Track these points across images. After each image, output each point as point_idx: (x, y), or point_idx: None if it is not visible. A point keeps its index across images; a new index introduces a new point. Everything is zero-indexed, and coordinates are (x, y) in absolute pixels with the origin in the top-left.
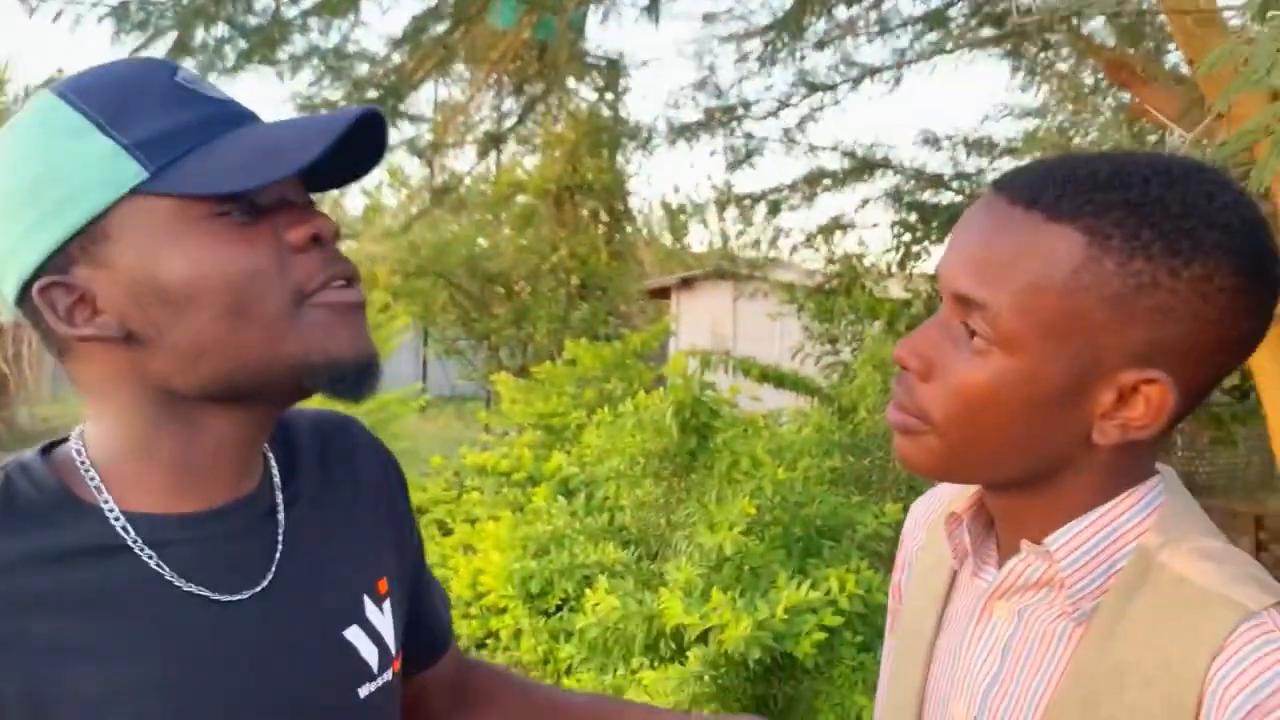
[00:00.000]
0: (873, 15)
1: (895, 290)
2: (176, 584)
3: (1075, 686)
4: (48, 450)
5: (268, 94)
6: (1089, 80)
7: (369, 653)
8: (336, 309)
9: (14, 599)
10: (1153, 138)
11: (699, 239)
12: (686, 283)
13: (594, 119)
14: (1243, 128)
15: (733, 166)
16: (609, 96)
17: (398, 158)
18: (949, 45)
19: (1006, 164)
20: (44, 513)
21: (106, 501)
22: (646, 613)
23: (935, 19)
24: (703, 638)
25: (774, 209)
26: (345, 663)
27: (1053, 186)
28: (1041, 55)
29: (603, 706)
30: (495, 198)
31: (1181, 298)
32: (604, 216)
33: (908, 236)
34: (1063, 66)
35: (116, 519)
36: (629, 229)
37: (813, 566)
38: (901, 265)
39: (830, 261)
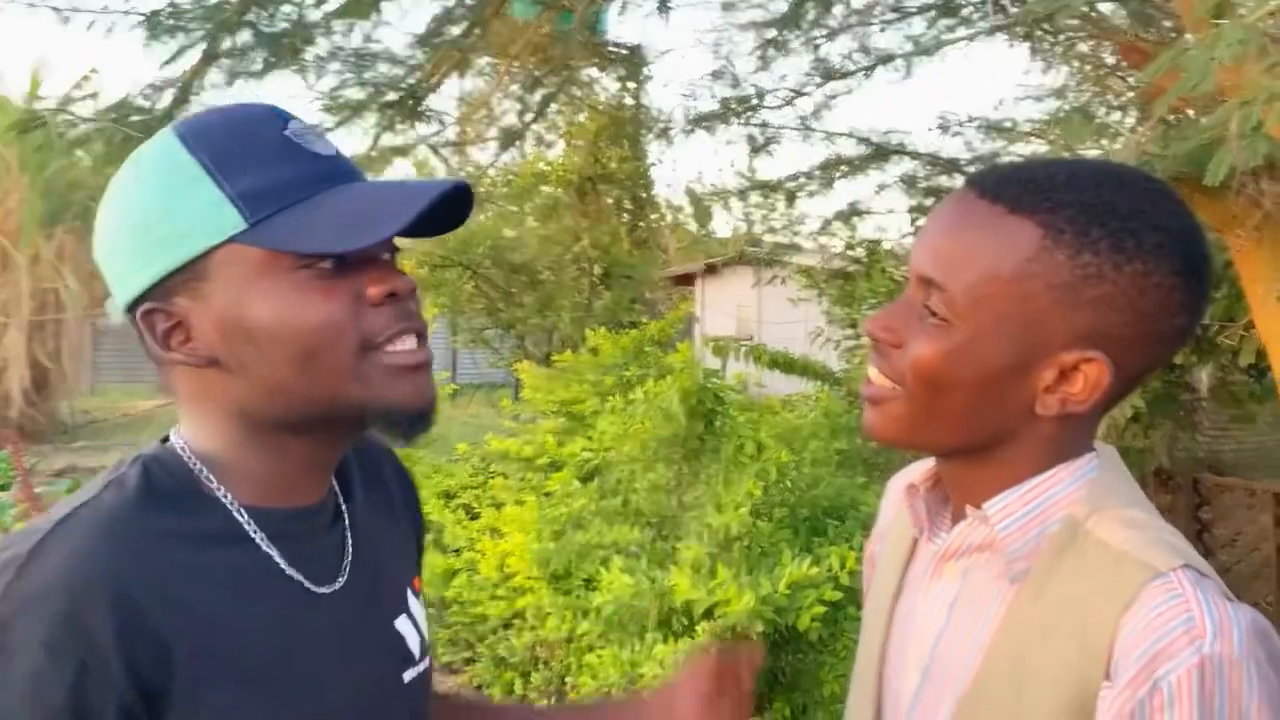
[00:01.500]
0: (888, 1)
1: None
2: (287, 571)
3: (1008, 637)
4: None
5: (295, 94)
6: (1110, 60)
7: (413, 641)
8: (396, 368)
9: (171, 568)
10: (1173, 118)
11: (724, 225)
12: (711, 269)
13: (614, 109)
14: (1202, 124)
15: (753, 154)
16: (630, 85)
17: (423, 153)
18: (961, 32)
19: (1023, 148)
20: (179, 499)
21: (225, 494)
22: (658, 590)
23: (947, 6)
24: (709, 613)
25: (791, 196)
26: (397, 650)
27: (1015, 184)
28: (1059, 38)
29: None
30: (519, 189)
31: (1122, 290)
32: (628, 205)
33: (924, 221)
34: (1083, 47)
35: (237, 511)
36: (653, 216)
37: (818, 545)
38: None
39: (849, 246)
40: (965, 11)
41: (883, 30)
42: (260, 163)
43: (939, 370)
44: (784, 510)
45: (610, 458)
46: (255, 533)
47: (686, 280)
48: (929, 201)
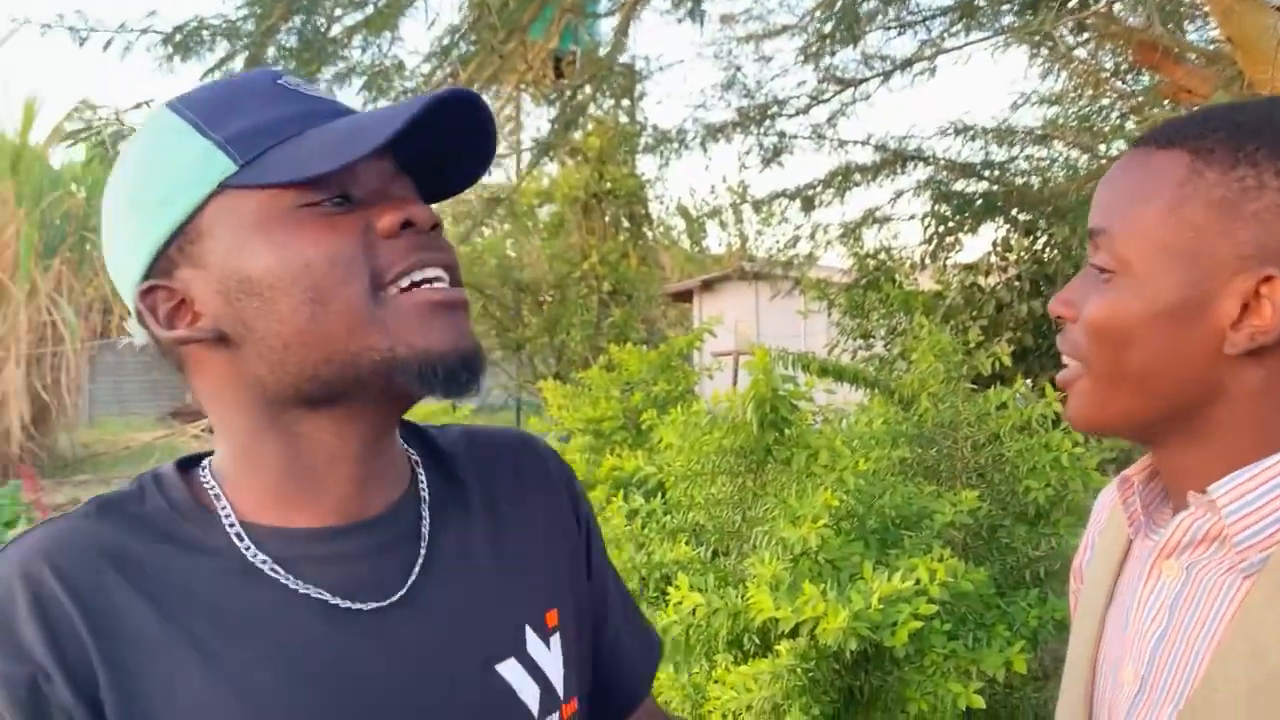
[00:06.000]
0: (902, 7)
1: (925, 283)
2: (295, 588)
3: (1242, 637)
4: (187, 462)
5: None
6: (1109, 64)
7: (528, 693)
8: (421, 306)
9: (114, 590)
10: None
11: (717, 241)
12: (708, 285)
13: (619, 125)
14: None
15: (765, 164)
16: (625, 103)
17: None
18: (972, 34)
19: (1032, 152)
20: (167, 520)
21: (225, 510)
22: (731, 608)
23: (964, 8)
24: (793, 631)
25: (808, 205)
26: (495, 699)
27: (1167, 126)
28: (1062, 41)
29: None
30: (522, 207)
31: None
32: (625, 223)
33: (941, 227)
34: (1081, 52)
35: (231, 525)
36: (649, 233)
37: (893, 557)
38: (934, 256)
39: (864, 257)
40: (980, 15)
41: (900, 34)
42: (250, 108)
43: (1109, 323)
44: (852, 521)
45: (669, 471)
46: (247, 548)
47: (684, 297)
48: (945, 208)
